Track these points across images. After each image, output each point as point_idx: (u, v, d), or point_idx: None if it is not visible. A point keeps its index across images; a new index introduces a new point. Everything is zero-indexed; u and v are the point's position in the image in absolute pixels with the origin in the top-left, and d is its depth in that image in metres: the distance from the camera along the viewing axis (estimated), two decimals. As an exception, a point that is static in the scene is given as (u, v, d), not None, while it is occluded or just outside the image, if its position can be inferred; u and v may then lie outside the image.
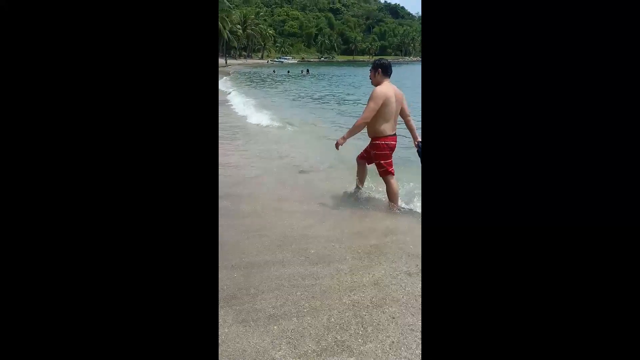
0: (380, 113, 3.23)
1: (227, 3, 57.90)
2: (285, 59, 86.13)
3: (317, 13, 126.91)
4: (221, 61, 41.68)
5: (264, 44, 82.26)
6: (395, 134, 3.36)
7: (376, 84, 3.31)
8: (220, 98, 10.91)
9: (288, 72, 36.37)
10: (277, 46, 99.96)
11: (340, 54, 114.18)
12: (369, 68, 3.42)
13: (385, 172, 3.39)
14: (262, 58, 78.51)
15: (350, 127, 3.40)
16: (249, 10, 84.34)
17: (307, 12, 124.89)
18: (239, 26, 61.37)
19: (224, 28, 49.77)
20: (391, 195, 3.42)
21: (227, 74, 31.91)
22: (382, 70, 3.29)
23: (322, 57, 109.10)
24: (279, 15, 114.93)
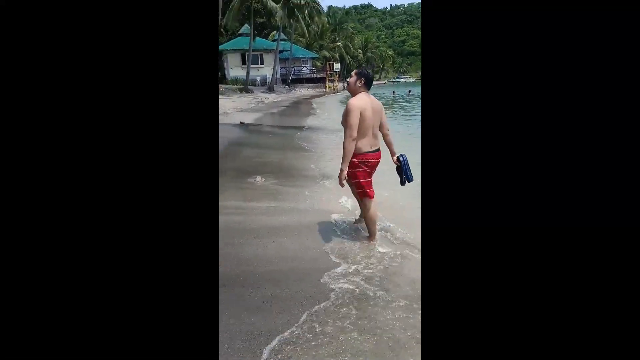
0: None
1: (351, 30, 61.83)
2: (403, 77, 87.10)
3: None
4: (339, 86, 43.36)
5: (382, 66, 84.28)
6: (375, 151, 3.01)
7: (353, 92, 2.99)
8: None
9: (409, 92, 34.36)
10: (395, 66, 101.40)
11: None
12: (352, 72, 3.10)
13: (363, 194, 3.05)
14: (379, 79, 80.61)
15: (343, 155, 2.90)
16: (369, 34, 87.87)
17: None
18: (359, 50, 64.23)
19: (346, 53, 53.08)
20: (367, 220, 3.13)
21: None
22: (365, 81, 2.98)
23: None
24: (399, 36, 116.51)
